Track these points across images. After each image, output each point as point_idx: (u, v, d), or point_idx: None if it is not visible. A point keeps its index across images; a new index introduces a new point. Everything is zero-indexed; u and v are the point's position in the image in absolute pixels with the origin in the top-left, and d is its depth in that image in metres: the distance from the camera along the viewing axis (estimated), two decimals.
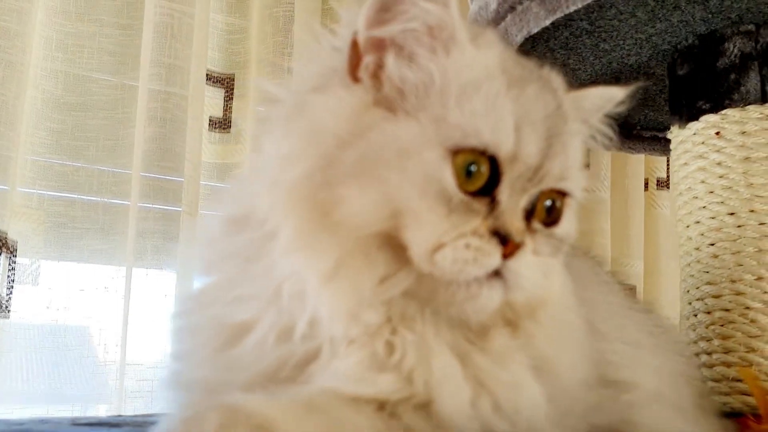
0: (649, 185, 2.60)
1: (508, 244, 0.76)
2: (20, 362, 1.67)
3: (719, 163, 1.46)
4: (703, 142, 1.49)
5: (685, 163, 1.53)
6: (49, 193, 1.76)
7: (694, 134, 1.51)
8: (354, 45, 0.82)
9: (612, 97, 0.96)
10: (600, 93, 0.95)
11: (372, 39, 0.81)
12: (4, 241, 1.62)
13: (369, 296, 0.78)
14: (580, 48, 1.61)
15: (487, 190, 0.78)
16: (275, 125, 0.86)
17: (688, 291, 1.52)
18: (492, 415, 0.77)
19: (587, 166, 2.41)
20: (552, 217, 0.84)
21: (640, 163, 2.54)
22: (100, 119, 1.82)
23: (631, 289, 2.42)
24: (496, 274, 0.77)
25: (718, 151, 1.46)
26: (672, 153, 1.60)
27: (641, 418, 0.93)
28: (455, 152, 0.77)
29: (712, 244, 1.46)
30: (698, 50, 1.53)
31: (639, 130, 2.02)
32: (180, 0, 1.86)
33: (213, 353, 0.84)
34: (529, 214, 0.81)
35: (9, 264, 1.66)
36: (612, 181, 2.47)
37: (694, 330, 1.48)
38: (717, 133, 1.47)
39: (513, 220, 0.77)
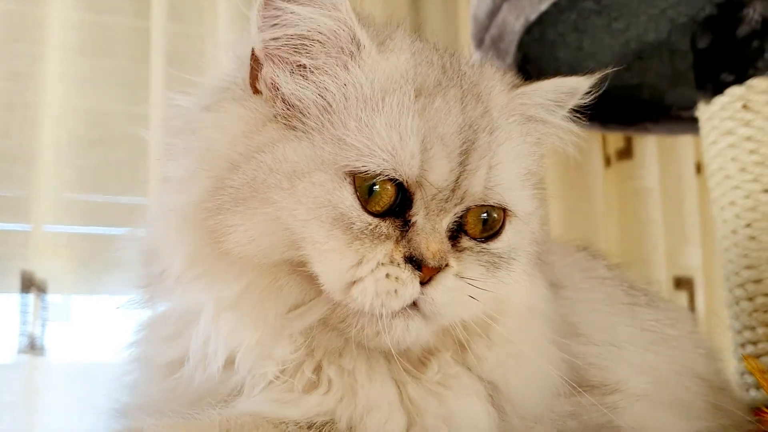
0: (701, 168, 2.45)
1: (423, 270, 0.68)
2: (56, 397, 1.67)
3: (749, 138, 1.35)
4: (730, 117, 1.39)
5: (714, 141, 1.43)
6: (75, 228, 1.77)
7: (721, 109, 1.41)
8: (252, 53, 0.76)
9: (573, 88, 0.84)
10: (555, 85, 0.84)
11: (266, 47, 0.74)
12: (31, 281, 1.64)
13: (275, 327, 0.72)
14: (592, 29, 1.53)
15: (399, 211, 0.71)
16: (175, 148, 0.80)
17: (728, 278, 1.41)
18: None
19: (629, 155, 2.28)
20: (488, 231, 0.76)
21: (688, 146, 2.39)
22: (119, 152, 1.82)
23: (687, 281, 2.29)
24: (414, 304, 0.69)
25: (746, 124, 1.36)
26: (701, 131, 1.50)
27: (624, 420, 0.85)
28: (354, 175, 0.69)
29: (749, 225, 1.35)
30: (717, 20, 1.43)
31: (676, 111, 1.90)
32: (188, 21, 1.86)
33: (153, 386, 0.81)
34: (457, 232, 0.74)
35: (41, 303, 1.67)
36: (660, 167, 2.32)
37: (737, 319, 1.37)
38: (744, 106, 1.36)
39: (429, 242, 0.69)
